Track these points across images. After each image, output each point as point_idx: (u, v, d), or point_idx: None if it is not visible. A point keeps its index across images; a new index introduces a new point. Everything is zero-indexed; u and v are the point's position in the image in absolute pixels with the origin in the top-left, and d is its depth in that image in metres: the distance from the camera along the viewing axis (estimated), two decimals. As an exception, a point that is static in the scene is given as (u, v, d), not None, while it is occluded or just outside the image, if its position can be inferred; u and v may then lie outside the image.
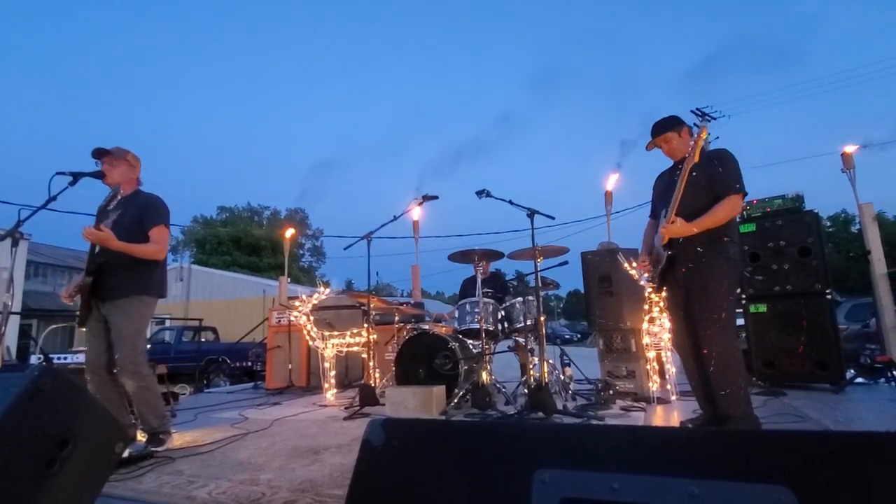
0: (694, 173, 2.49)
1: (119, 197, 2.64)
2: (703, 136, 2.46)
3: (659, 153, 2.77)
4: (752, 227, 4.33)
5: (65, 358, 4.28)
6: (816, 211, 4.17)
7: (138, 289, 2.59)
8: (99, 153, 2.66)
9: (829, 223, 28.26)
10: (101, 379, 2.57)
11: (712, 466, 0.53)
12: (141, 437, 2.61)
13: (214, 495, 1.82)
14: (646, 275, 2.99)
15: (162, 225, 2.66)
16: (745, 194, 2.48)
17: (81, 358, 4.05)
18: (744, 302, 4.30)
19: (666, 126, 2.68)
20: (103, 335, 2.59)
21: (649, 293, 3.51)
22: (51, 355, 4.34)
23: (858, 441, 0.50)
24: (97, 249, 2.55)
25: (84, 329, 2.62)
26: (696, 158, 2.43)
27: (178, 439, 2.73)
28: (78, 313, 2.59)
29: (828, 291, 3.97)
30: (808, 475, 0.49)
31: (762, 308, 4.23)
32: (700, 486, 0.52)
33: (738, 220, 2.77)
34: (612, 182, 6.57)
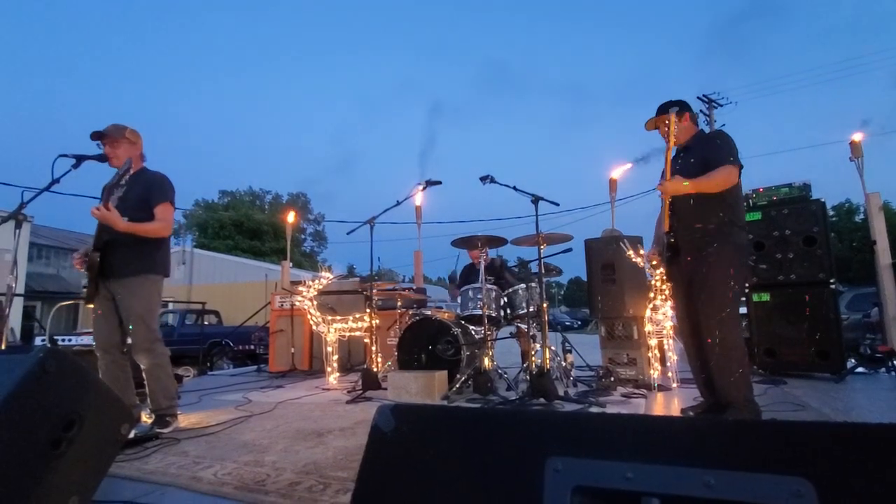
0: (692, 160, 2.54)
1: (129, 174, 2.60)
2: (674, 122, 2.51)
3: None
4: (757, 216, 4.30)
5: (69, 339, 4.30)
6: (823, 200, 4.14)
7: (144, 267, 2.60)
8: (97, 135, 2.63)
9: (832, 213, 28.13)
10: (111, 357, 2.58)
11: (729, 456, 0.52)
12: (146, 418, 2.63)
13: (220, 476, 1.84)
14: (653, 263, 2.98)
15: (167, 202, 2.66)
16: (741, 167, 2.46)
17: (86, 339, 4.07)
18: (747, 291, 4.29)
19: (668, 108, 2.66)
20: (114, 313, 2.59)
21: (653, 281, 3.50)
22: (55, 336, 4.37)
23: (880, 433, 0.49)
24: (103, 226, 2.55)
25: (91, 306, 2.62)
26: (673, 142, 2.50)
27: (182, 421, 2.75)
28: (85, 289, 2.59)
29: (832, 281, 3.96)
30: (827, 466, 0.49)
31: (765, 297, 4.23)
32: (716, 476, 0.52)
33: (744, 206, 2.75)
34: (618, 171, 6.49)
